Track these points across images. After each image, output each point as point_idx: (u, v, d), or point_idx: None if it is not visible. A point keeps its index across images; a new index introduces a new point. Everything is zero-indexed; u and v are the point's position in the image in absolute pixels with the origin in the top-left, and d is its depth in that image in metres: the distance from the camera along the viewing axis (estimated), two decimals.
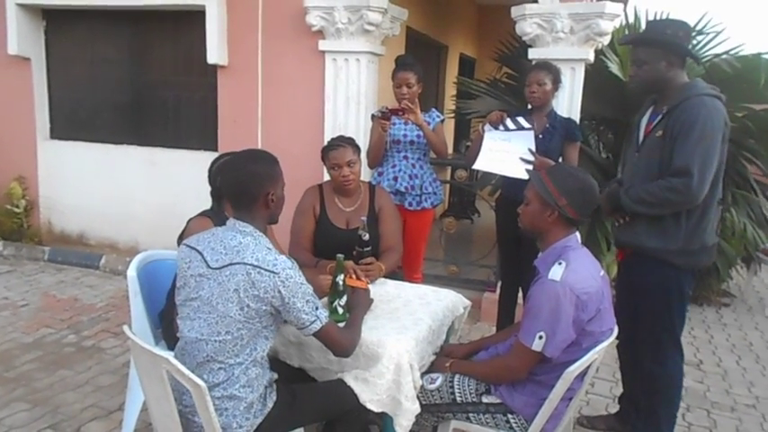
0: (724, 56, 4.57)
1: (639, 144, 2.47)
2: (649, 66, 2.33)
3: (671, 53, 2.31)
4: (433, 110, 3.48)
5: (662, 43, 2.32)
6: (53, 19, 5.34)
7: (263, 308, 1.73)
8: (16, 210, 5.40)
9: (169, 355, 1.67)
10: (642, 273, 2.43)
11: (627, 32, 4.85)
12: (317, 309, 1.79)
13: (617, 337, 2.06)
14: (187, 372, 1.62)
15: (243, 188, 1.82)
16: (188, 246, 1.86)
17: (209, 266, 1.77)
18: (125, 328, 1.79)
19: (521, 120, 3.06)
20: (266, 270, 1.70)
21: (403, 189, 3.35)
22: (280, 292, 1.71)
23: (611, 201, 2.45)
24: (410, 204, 3.38)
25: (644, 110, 2.53)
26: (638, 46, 2.40)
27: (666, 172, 2.28)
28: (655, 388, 2.55)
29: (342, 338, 1.86)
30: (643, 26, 4.90)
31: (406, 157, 3.39)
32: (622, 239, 2.53)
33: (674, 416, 2.56)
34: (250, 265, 1.71)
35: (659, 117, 2.37)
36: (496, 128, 3.09)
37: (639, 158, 2.44)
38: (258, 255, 1.73)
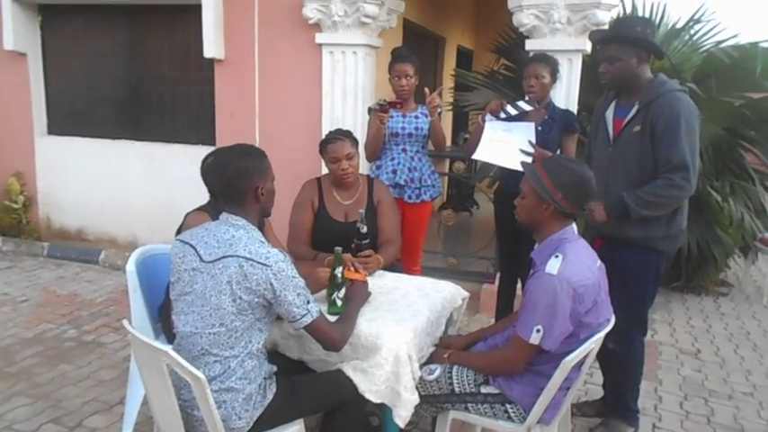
0: (721, 45, 4.56)
1: (612, 139, 2.51)
2: (622, 62, 2.39)
3: (642, 49, 2.39)
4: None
5: (634, 40, 2.39)
6: (48, 14, 5.32)
7: (256, 300, 1.74)
8: (15, 206, 5.41)
9: (168, 348, 1.68)
10: (624, 257, 2.46)
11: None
12: (308, 302, 1.80)
13: None
14: (187, 364, 1.63)
15: (231, 185, 1.82)
16: (181, 241, 1.87)
17: (202, 260, 1.77)
18: (125, 322, 1.81)
19: (521, 104, 3.03)
20: (259, 263, 1.71)
21: (402, 182, 3.35)
22: (272, 284, 1.72)
23: (616, 212, 2.41)
24: (409, 197, 3.38)
25: (606, 103, 2.58)
26: (611, 43, 2.44)
27: (661, 168, 2.33)
28: (620, 368, 2.64)
29: (332, 332, 1.87)
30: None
31: (404, 150, 3.38)
32: (605, 231, 2.53)
33: (638, 389, 2.68)
34: (243, 257, 1.72)
35: (633, 112, 2.41)
36: (497, 116, 3.07)
37: (615, 153, 2.48)
38: (251, 248, 1.74)
